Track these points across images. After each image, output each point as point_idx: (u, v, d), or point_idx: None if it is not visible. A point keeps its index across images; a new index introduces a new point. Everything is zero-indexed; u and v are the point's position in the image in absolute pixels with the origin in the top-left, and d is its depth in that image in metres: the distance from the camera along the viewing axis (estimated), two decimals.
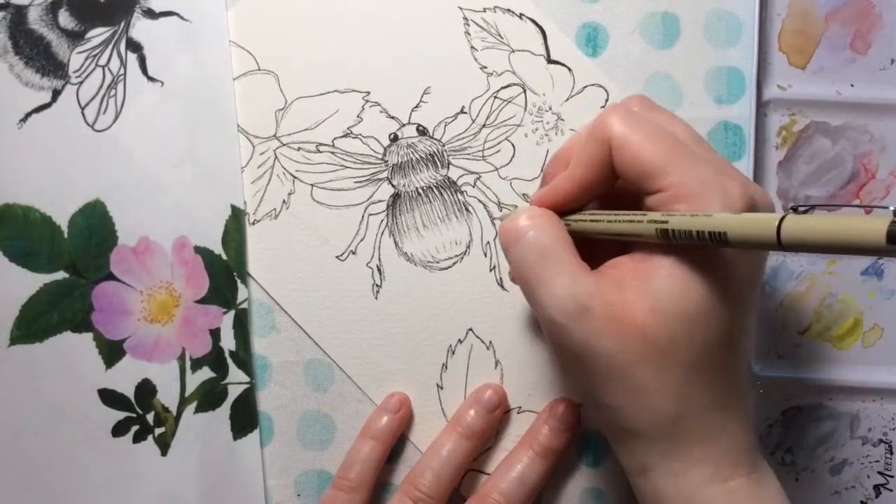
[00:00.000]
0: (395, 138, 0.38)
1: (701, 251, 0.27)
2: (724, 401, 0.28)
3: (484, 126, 0.38)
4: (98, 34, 0.37)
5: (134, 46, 0.37)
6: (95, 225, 0.37)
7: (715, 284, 0.27)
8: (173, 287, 0.37)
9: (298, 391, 0.38)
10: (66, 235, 0.37)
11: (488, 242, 0.38)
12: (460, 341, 0.38)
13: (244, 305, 0.38)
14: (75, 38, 0.37)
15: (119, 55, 0.37)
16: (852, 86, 0.38)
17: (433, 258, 0.38)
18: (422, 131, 0.38)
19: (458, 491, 0.37)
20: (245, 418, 0.38)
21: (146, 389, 0.37)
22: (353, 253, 0.38)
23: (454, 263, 0.38)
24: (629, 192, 0.29)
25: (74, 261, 0.37)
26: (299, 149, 0.38)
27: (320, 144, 0.38)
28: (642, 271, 0.28)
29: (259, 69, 0.38)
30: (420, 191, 0.38)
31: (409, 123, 0.38)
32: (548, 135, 0.38)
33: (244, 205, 0.38)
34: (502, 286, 0.38)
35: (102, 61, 0.37)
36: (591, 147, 0.29)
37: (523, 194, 0.38)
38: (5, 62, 0.37)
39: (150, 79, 0.37)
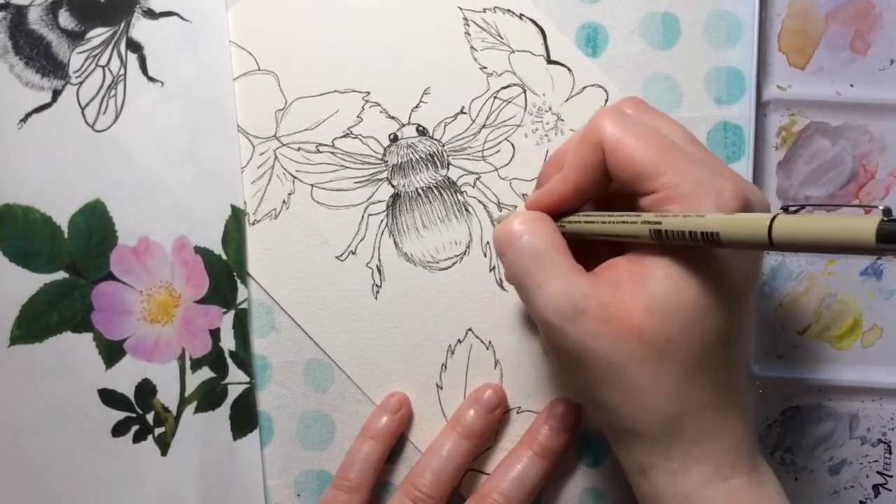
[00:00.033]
0: (394, 138, 0.38)
1: (696, 251, 0.27)
2: (723, 400, 0.28)
3: (484, 126, 0.38)
4: (98, 34, 0.37)
5: (134, 46, 0.37)
6: (95, 225, 0.37)
7: (710, 284, 0.27)
8: (173, 287, 0.37)
9: (298, 391, 0.38)
10: (66, 235, 0.37)
11: (488, 243, 0.38)
12: (460, 341, 0.38)
13: (244, 305, 0.38)
14: (75, 38, 0.37)
15: (119, 55, 0.37)
16: (852, 86, 0.38)
17: (433, 258, 0.38)
18: (422, 131, 0.38)
19: (457, 491, 0.37)
20: (245, 418, 0.38)
21: (146, 389, 0.37)
22: (353, 253, 0.38)
23: (454, 263, 0.38)
24: (624, 194, 0.29)
25: (74, 261, 0.37)
26: (299, 149, 0.38)
27: (320, 144, 0.38)
28: (638, 272, 0.28)
29: (259, 69, 0.38)
30: (420, 191, 0.38)
31: (408, 123, 0.38)
32: (547, 135, 0.38)
33: (244, 205, 0.38)
34: (502, 286, 0.38)
35: (102, 61, 0.37)
36: (585, 150, 0.29)
37: (523, 194, 0.38)
38: (5, 62, 0.37)
39: (150, 79, 0.37)
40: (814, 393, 0.38)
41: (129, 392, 0.37)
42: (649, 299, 0.27)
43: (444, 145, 0.38)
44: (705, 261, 0.27)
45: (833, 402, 0.38)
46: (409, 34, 0.38)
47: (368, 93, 0.38)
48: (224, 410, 0.38)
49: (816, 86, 0.38)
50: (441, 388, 0.38)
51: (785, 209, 0.25)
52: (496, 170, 0.38)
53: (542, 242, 0.29)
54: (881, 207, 0.21)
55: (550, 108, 0.38)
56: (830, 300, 0.38)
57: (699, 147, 0.30)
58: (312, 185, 0.38)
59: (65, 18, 0.37)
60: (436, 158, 0.38)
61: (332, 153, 0.38)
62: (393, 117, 0.38)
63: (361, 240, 0.38)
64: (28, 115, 0.37)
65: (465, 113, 0.38)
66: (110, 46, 0.37)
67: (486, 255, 0.38)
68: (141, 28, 0.37)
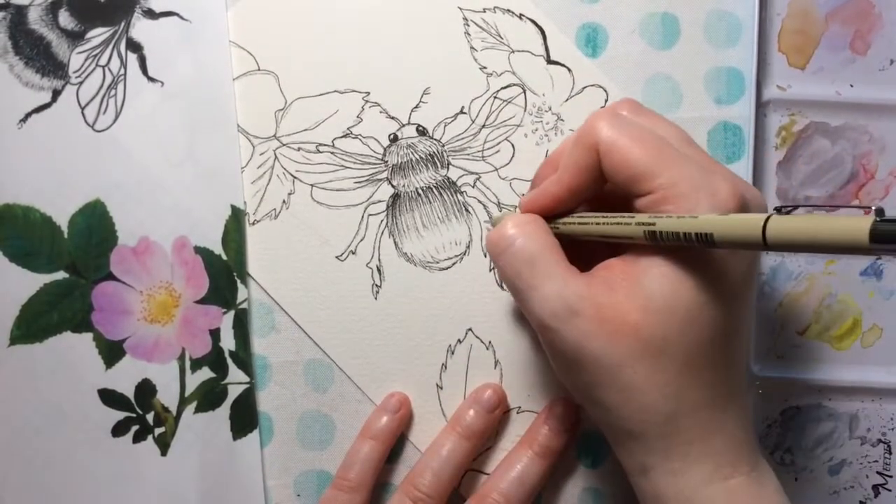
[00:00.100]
0: (394, 138, 0.38)
1: (692, 251, 0.27)
2: (721, 400, 0.28)
3: (484, 126, 0.38)
4: (98, 34, 0.37)
5: (134, 46, 0.37)
6: (95, 225, 0.37)
7: (707, 283, 0.27)
8: (173, 287, 0.37)
9: (298, 391, 0.38)
10: (66, 235, 0.37)
11: None
12: (460, 341, 0.38)
13: (244, 305, 0.38)
14: (75, 38, 0.37)
15: (119, 55, 0.37)
16: (852, 86, 0.38)
17: (433, 258, 0.38)
18: (421, 131, 0.38)
19: (457, 491, 0.37)
20: (245, 418, 0.38)
21: (146, 389, 0.37)
22: (353, 253, 0.38)
23: (454, 264, 0.38)
24: (618, 195, 0.29)
25: (74, 261, 0.37)
26: (299, 149, 0.38)
27: (320, 145, 0.38)
28: (633, 272, 0.28)
29: (259, 69, 0.38)
30: (420, 191, 0.38)
31: (408, 124, 0.38)
32: (547, 135, 0.38)
33: (244, 205, 0.38)
34: (502, 286, 0.38)
35: (102, 61, 0.37)
36: (579, 152, 0.29)
37: (522, 194, 0.38)
38: (5, 62, 0.37)
39: (150, 79, 0.37)
40: (814, 393, 0.38)
41: (129, 392, 0.37)
42: (645, 299, 0.27)
43: (444, 145, 0.38)
44: (701, 261, 0.27)
45: (833, 402, 0.38)
46: (409, 34, 0.38)
47: (368, 93, 0.38)
48: (224, 410, 0.38)
49: (816, 86, 0.38)
50: (441, 388, 0.38)
51: (778, 210, 0.25)
52: (496, 170, 0.38)
53: (535, 245, 0.29)
54: (874, 207, 0.21)
55: (550, 108, 0.38)
56: (830, 300, 0.38)
57: (695, 148, 0.30)
58: (312, 185, 0.38)
59: (65, 18, 0.37)
60: (436, 158, 0.38)
61: (332, 153, 0.38)
62: (393, 117, 0.38)
63: (361, 240, 0.38)
64: (28, 115, 0.37)
65: (464, 113, 0.38)
66: (110, 46, 0.37)
67: (485, 256, 0.38)
68: (141, 28, 0.37)
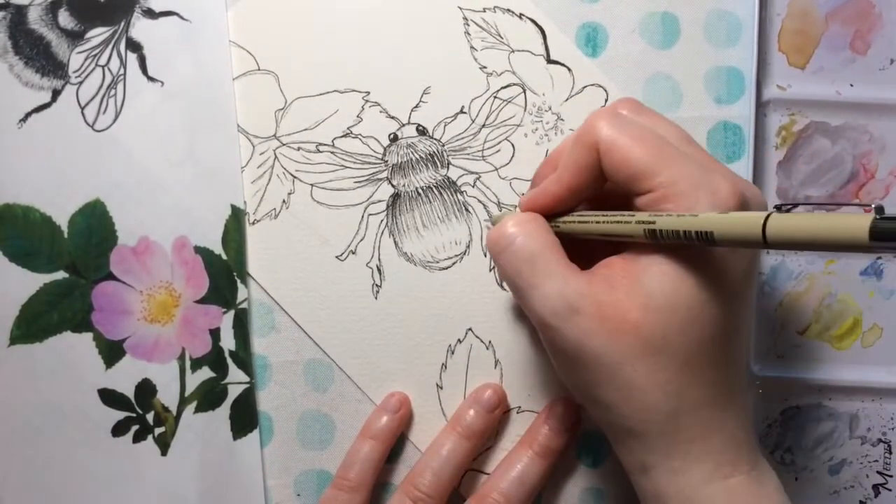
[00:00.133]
0: (394, 138, 0.38)
1: (693, 250, 0.27)
2: (721, 398, 0.28)
3: (484, 126, 0.38)
4: (98, 34, 0.37)
5: (134, 46, 0.37)
6: (95, 225, 0.37)
7: (707, 281, 0.27)
8: (173, 287, 0.37)
9: (298, 391, 0.38)
10: (66, 235, 0.37)
11: None
12: (460, 341, 0.38)
13: (244, 305, 0.38)
14: (75, 37, 0.37)
15: (119, 55, 0.37)
16: (852, 86, 0.38)
17: (433, 258, 0.38)
18: (421, 131, 0.38)
19: (457, 491, 0.37)
20: (245, 418, 0.38)
21: (146, 389, 0.37)
22: (353, 253, 0.38)
23: (454, 263, 0.38)
24: (618, 194, 0.29)
25: (74, 261, 0.37)
26: (299, 149, 0.38)
27: (320, 144, 0.38)
28: (634, 270, 0.28)
29: (259, 69, 0.38)
30: (420, 191, 0.38)
31: (408, 123, 0.38)
32: (547, 135, 0.38)
33: (244, 205, 0.38)
34: (502, 286, 0.38)
35: (102, 61, 0.37)
36: (579, 151, 0.29)
37: (522, 194, 0.38)
38: (5, 62, 0.37)
39: (150, 79, 0.37)
40: (814, 393, 0.38)
41: (129, 392, 0.37)
42: (646, 297, 0.27)
43: (443, 145, 0.38)
44: (702, 259, 0.27)
45: (833, 402, 0.38)
46: (409, 34, 0.38)
47: (368, 93, 0.38)
48: (224, 410, 0.38)
49: (816, 86, 0.38)
50: (441, 387, 0.38)
51: (778, 208, 0.25)
52: (496, 169, 0.38)
53: (535, 244, 0.29)
54: (874, 205, 0.21)
55: (550, 108, 0.38)
56: (830, 300, 0.38)
57: (695, 146, 0.30)
58: (312, 185, 0.38)
59: (64, 18, 0.37)
60: (436, 158, 0.38)
61: (332, 153, 0.38)
62: (393, 117, 0.38)
63: (361, 239, 0.38)
64: (28, 115, 0.37)
65: (464, 113, 0.38)
66: (110, 46, 0.37)
67: (486, 255, 0.38)
68: (141, 28, 0.37)
